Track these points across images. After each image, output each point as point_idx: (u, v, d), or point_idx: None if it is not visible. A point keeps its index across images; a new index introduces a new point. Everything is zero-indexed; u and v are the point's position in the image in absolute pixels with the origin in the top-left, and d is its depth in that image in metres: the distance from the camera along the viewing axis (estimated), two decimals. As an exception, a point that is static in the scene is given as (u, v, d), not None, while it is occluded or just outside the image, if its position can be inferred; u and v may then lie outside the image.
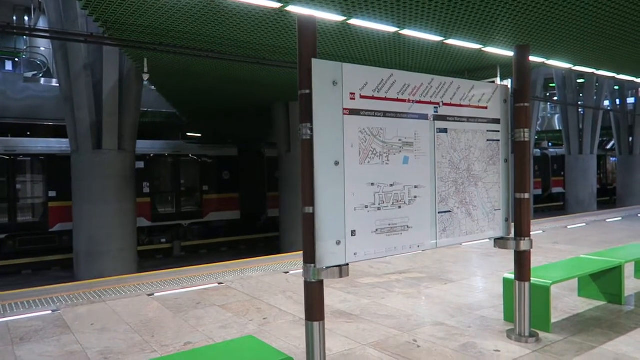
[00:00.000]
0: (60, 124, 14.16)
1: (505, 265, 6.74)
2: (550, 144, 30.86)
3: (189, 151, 17.21)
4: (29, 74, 18.28)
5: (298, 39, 2.79)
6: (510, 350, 3.72)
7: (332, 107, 2.83)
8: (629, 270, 5.60)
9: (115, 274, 10.10)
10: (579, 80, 23.14)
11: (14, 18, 22.86)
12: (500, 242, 3.96)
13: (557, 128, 30.05)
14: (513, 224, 3.97)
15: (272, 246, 16.81)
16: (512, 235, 3.96)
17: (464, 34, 8.11)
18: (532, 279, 3.96)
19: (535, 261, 4.29)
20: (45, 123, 17.10)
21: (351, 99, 2.91)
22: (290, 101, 14.86)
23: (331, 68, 2.83)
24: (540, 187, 25.96)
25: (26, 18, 24.21)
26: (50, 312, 4.98)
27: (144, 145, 15.15)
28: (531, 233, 3.99)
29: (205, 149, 17.57)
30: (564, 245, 8.40)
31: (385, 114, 3.09)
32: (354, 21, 7.18)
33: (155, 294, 5.63)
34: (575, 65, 11.04)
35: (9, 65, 21.11)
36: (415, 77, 3.29)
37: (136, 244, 12.45)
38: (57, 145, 14.39)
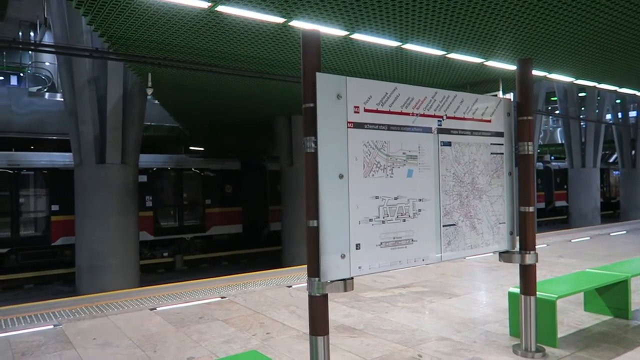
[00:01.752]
0: (64, 138, 14.23)
1: (509, 279, 6.69)
2: (552, 158, 30.84)
3: (191, 165, 17.25)
4: (34, 89, 18.43)
5: (302, 53, 2.81)
6: (516, 365, 3.68)
7: (336, 120, 2.84)
8: (635, 284, 5.55)
9: (118, 288, 10.05)
10: (580, 94, 23.20)
11: (20, 33, 23.11)
12: (505, 255, 3.94)
13: (560, 141, 30.08)
14: (518, 238, 3.95)
15: (275, 260, 16.73)
16: (517, 248, 3.94)
17: (465, 48, 8.17)
18: (537, 293, 3.92)
19: (540, 275, 4.26)
20: (49, 137, 17.19)
21: (355, 112, 2.92)
22: (292, 115, 14.92)
23: (335, 82, 2.84)
24: (543, 201, 25.90)
25: (32, 33, 24.47)
26: (52, 326, 4.95)
27: (146, 159, 15.20)
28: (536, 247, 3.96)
29: (207, 162, 17.60)
30: (568, 259, 8.35)
31: (389, 127, 3.09)
32: (357, 36, 7.24)
33: (158, 308, 5.59)
34: (577, 78, 11.08)
35: (14, 80, 21.30)
36: (418, 91, 3.30)
37: (138, 258, 12.41)
38: (60, 159, 14.44)
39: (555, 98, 24.51)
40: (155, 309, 5.60)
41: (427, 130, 3.34)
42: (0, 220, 13.61)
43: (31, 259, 13.98)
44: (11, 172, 13.77)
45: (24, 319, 5.23)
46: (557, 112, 25.54)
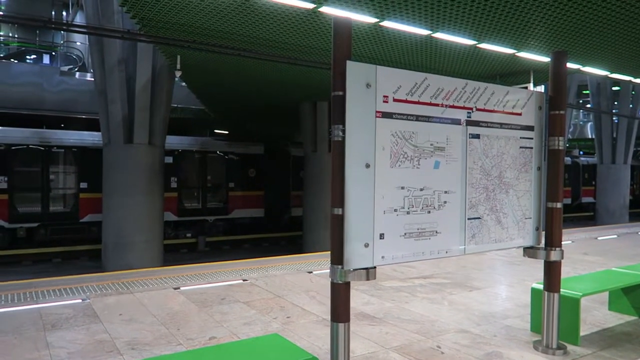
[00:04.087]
0: (93, 118, 14.51)
1: (531, 274, 6.62)
2: (581, 152, 30.15)
3: (216, 148, 17.43)
4: (65, 68, 18.78)
5: (333, 40, 2.80)
6: (536, 361, 3.66)
7: (365, 109, 2.83)
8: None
9: (142, 266, 10.31)
10: (614, 88, 22.53)
11: (53, 13, 23.52)
12: (529, 251, 3.90)
13: (590, 136, 29.28)
14: (543, 233, 3.90)
15: (295, 245, 16.87)
16: (542, 244, 3.89)
17: (497, 38, 7.99)
18: (561, 290, 3.88)
19: (564, 272, 4.19)
20: (79, 116, 17.54)
21: (384, 101, 2.90)
22: (317, 101, 14.87)
23: (365, 70, 2.83)
24: (570, 196, 25.41)
25: (64, 13, 24.88)
26: (80, 300, 5.12)
27: (172, 141, 15.41)
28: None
29: (232, 146, 17.75)
30: (593, 257, 8.20)
31: (417, 118, 3.07)
32: (387, 23, 7.15)
33: (181, 288, 5.72)
34: (612, 72, 10.74)
35: (46, 59, 21.73)
36: (449, 82, 3.26)
37: (162, 238, 12.67)
38: (89, 138, 14.75)
39: (587, 91, 23.83)
40: (178, 288, 5.73)
41: (456, 121, 3.30)
42: (31, 196, 14.04)
43: (59, 234, 14.41)
44: (42, 149, 14.14)
45: (54, 292, 5.41)
46: (588, 105, 24.85)
